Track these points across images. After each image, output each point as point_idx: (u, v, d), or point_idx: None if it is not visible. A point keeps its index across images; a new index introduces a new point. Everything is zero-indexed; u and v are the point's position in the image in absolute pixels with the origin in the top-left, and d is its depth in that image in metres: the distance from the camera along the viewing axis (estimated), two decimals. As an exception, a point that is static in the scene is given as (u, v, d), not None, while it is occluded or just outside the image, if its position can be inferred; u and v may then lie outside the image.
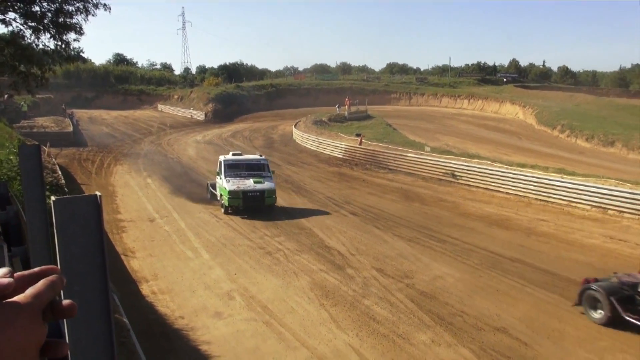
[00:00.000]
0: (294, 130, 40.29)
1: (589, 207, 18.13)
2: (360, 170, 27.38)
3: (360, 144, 31.24)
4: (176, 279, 12.61)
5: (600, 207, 17.83)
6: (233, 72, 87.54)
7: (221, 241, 15.54)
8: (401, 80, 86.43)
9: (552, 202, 19.22)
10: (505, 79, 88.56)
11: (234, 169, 19.07)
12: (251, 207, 18.13)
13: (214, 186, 20.20)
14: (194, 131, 46.64)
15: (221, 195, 18.65)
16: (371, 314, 10.48)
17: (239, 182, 18.35)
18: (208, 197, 20.46)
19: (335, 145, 32.68)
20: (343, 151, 31.36)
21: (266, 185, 18.52)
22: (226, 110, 58.16)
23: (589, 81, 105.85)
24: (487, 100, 67.47)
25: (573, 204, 18.63)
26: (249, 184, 18.33)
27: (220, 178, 18.89)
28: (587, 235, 15.63)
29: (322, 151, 33.19)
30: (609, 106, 50.64)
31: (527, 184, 20.43)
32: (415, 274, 12.60)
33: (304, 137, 37.09)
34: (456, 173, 23.60)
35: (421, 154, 26.95)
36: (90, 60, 75.14)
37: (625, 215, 17.05)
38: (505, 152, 32.07)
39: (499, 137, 41.78)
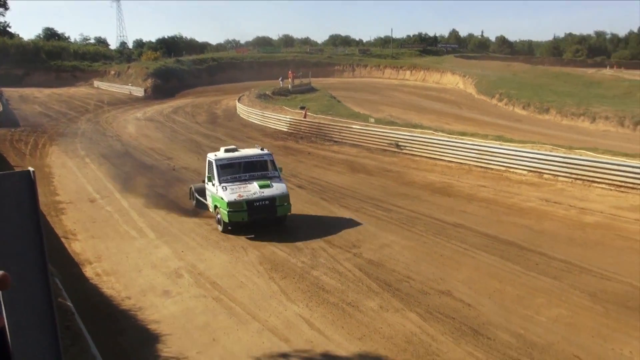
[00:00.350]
0: (238, 104, 39.71)
1: (526, 172, 18.87)
2: (305, 143, 27.37)
3: (305, 117, 31.15)
4: (121, 260, 12.34)
5: (537, 171, 18.59)
6: (172, 46, 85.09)
7: (167, 219, 15.28)
8: (344, 52, 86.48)
9: (492, 169, 19.88)
10: (445, 50, 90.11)
11: (230, 170, 14.51)
12: (260, 220, 13.90)
13: (201, 191, 15.92)
14: (134, 108, 45.23)
15: (216, 207, 14.26)
16: (320, 284, 10.62)
17: (239, 188, 13.91)
18: (193, 204, 16.36)
19: (280, 118, 32.47)
20: (288, 125, 31.22)
21: (276, 189, 14.02)
22: (166, 85, 56.69)
23: (525, 50, 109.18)
24: (428, 70, 68.56)
25: (511, 170, 19.33)
26: (254, 189, 13.90)
27: (213, 184, 14.37)
28: (525, 199, 16.29)
29: (267, 125, 32.93)
30: (544, 74, 52.46)
31: (468, 152, 21.01)
32: (363, 244, 12.82)
33: (248, 112, 36.63)
34: (400, 143, 23.98)
35: (366, 126, 27.16)
36: (18, 35, 71.21)
37: (560, 178, 17.85)
38: (447, 122, 32.78)
39: (440, 107, 42.62)
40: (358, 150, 25.04)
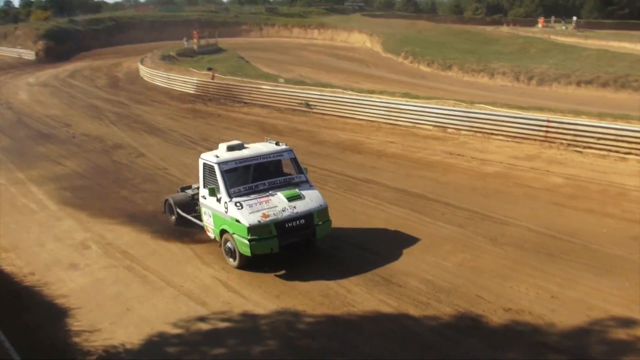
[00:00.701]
0: (140, 66, 37.86)
1: (431, 127, 19.57)
2: (214, 106, 26.72)
3: (212, 78, 30.29)
4: (20, 235, 11.61)
5: (441, 126, 19.33)
6: (64, 5, 79.23)
7: (69, 189, 14.48)
8: (251, 11, 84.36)
9: (400, 125, 20.43)
10: (352, 8, 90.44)
11: (241, 177, 10.13)
12: (294, 246, 9.93)
13: (185, 205, 11.74)
14: (25, 72, 41.99)
15: (223, 233, 9.93)
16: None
17: (260, 203, 9.60)
18: (172, 221, 11.93)
19: (186, 81, 31.36)
20: (195, 87, 30.25)
21: (310, 200, 9.97)
22: (60, 48, 52.79)
23: (428, 9, 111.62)
24: (336, 29, 68.52)
25: (418, 125, 19.96)
26: (281, 203, 9.67)
27: (218, 199, 9.81)
28: (431, 153, 16.95)
29: (173, 88, 31.72)
30: (447, 32, 54.08)
31: (377, 109, 21.43)
32: (277, 203, 12.83)
33: (152, 74, 35.07)
34: (310, 103, 23.99)
35: (276, 86, 26.87)
36: None
37: (462, 132, 18.69)
38: (356, 80, 33.14)
39: (349, 66, 42.97)
40: (268, 111, 24.80)
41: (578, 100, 24.29)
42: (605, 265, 9.18)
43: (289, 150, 10.79)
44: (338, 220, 11.64)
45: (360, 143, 18.64)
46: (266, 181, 10.12)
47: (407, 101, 21.14)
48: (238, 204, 9.51)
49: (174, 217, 11.87)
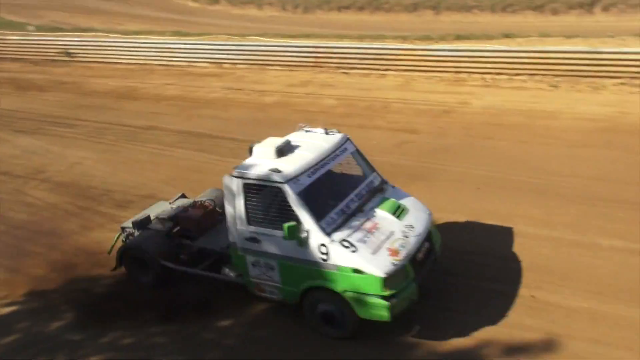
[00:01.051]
0: None
1: (207, 64, 19.23)
2: (-50, 66, 22.64)
3: (-60, 32, 25.43)
4: None
5: (217, 62, 19.11)
6: None
7: None
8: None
9: (174, 65, 19.67)
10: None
11: (321, 198, 6.23)
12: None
13: (167, 251, 7.21)
14: None
15: (311, 291, 6.06)
16: (9, 223, 9.41)
17: (370, 234, 5.96)
18: (143, 282, 7.38)
19: None
20: None
21: (415, 210, 6.68)
22: None
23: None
24: (88, -34, 62.08)
25: (193, 64, 19.45)
26: (394, 227, 6.19)
27: (300, 241, 5.78)
28: (210, 91, 16.74)
29: None
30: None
31: (147, 51, 20.30)
32: (49, 167, 11.68)
33: None
34: (71, 51, 21.72)
35: (25, 35, 23.73)
36: None
37: (238, 66, 18.74)
38: (119, 22, 30.71)
39: (109, 7, 39.44)
40: (21, 65, 21.83)
41: (341, 25, 25.90)
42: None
43: (348, 140, 7.09)
44: (123, 173, 11.09)
45: (134, 89, 17.58)
46: (353, 194, 6.51)
47: (178, 40, 20.42)
48: (346, 243, 5.79)
49: (145, 280, 7.35)
